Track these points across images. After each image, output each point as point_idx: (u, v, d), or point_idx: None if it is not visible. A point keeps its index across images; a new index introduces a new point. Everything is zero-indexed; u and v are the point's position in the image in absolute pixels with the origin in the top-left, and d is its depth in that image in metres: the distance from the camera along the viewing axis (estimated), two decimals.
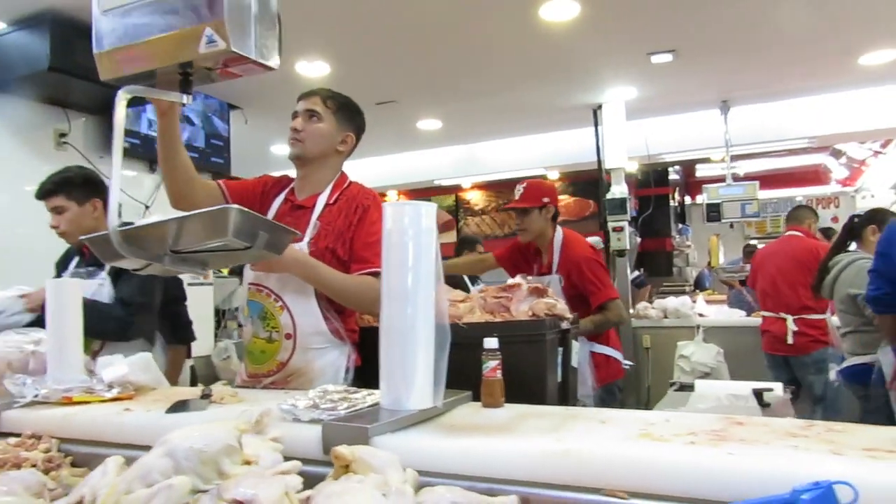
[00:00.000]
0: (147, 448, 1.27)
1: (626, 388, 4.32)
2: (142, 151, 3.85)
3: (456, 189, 8.58)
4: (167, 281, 2.67)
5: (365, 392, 1.27)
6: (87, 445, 1.35)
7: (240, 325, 1.96)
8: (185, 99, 1.37)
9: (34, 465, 1.27)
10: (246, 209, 1.25)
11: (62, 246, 2.96)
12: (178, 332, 2.62)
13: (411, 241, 1.20)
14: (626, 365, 2.77)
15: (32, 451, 1.31)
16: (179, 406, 1.34)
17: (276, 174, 2.00)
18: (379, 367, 1.19)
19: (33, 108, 3.34)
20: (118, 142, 1.26)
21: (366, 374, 1.71)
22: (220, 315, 4.06)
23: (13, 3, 2.97)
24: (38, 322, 1.97)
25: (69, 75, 3.05)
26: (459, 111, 5.23)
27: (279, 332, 1.68)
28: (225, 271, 4.12)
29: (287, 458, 0.98)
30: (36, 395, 1.46)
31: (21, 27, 3.06)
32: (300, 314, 1.68)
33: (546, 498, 0.89)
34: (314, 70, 3.99)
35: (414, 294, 1.19)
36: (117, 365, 1.62)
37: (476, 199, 8.87)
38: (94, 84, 3.20)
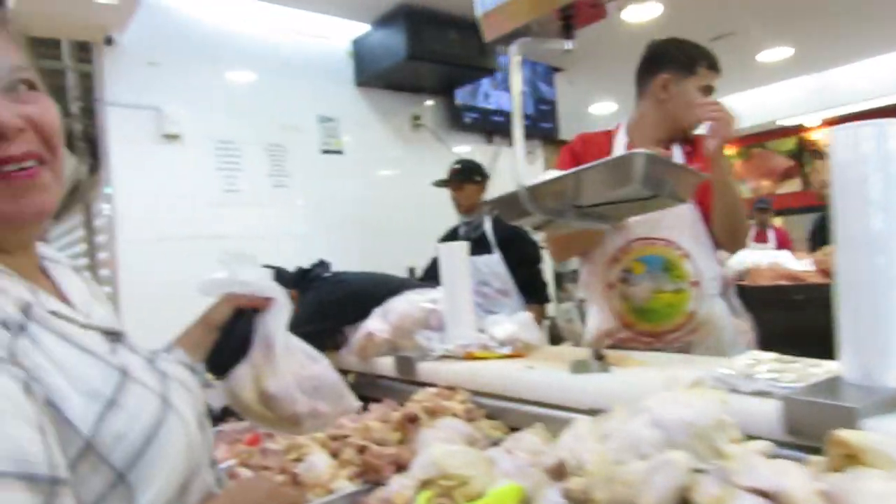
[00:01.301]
0: (554, 407, 1.28)
1: None
2: (480, 125, 4.09)
3: (798, 130, 7.35)
4: (524, 244, 2.77)
5: (807, 361, 1.05)
6: (495, 399, 1.40)
7: (609, 286, 1.86)
8: (569, 45, 1.30)
9: (454, 414, 1.37)
10: (653, 153, 1.12)
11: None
12: (536, 292, 2.70)
13: (876, 171, 0.93)
14: None
15: (450, 401, 1.41)
16: (581, 366, 1.29)
17: None
18: (835, 330, 0.96)
19: (393, 96, 3.77)
20: (517, 100, 1.24)
21: None
22: (559, 278, 4.13)
23: (375, 5, 3.36)
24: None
25: (423, 61, 3.35)
26: (813, 31, 4.39)
27: (685, 281, 1.61)
28: None
29: None
30: (445, 350, 1.59)
31: (381, 25, 3.46)
32: (701, 258, 1.61)
33: None
34: (644, 12, 3.71)
35: (886, 239, 0.92)
36: (506, 323, 1.68)
37: (826, 138, 7.49)
38: (442, 66, 3.53)
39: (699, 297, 1.63)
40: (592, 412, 1.10)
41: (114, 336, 0.67)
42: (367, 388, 1.82)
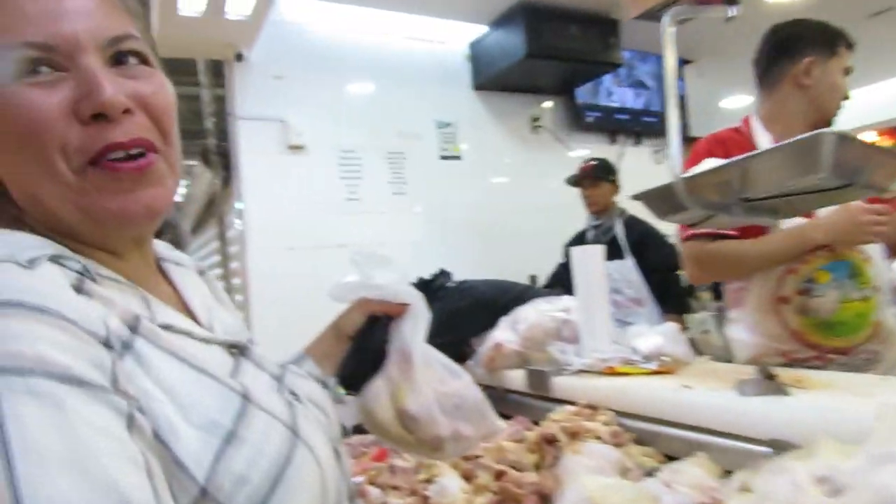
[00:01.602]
0: (720, 434, 1.11)
1: None
2: (602, 124, 3.89)
3: None
4: (661, 248, 2.56)
5: None
6: (644, 421, 1.25)
7: (782, 300, 1.64)
8: (733, 11, 1.13)
9: (598, 437, 1.23)
10: (845, 133, 0.92)
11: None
12: (674, 300, 2.48)
13: None
14: None
15: (592, 421, 1.27)
16: (751, 387, 1.11)
17: None
18: None
19: (511, 98, 3.66)
20: (671, 76, 1.09)
21: None
22: (691, 285, 3.82)
23: (492, 5, 3.28)
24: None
25: (542, 59, 3.22)
26: None
27: (869, 286, 1.43)
28: None
29: None
30: (582, 364, 1.45)
31: (499, 26, 3.37)
32: (878, 262, 1.44)
33: None
34: None
35: None
36: (650, 335, 1.51)
37: None
38: (562, 64, 3.38)
39: (881, 304, 1.44)
40: (775, 445, 0.93)
41: (238, 350, 0.59)
42: (496, 403, 1.69)
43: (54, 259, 0.48)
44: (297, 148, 2.98)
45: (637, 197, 1.18)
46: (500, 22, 3.35)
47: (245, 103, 2.89)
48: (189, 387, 0.47)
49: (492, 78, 3.47)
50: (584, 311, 1.59)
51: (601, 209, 2.81)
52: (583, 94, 3.83)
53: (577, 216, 3.12)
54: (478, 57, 3.52)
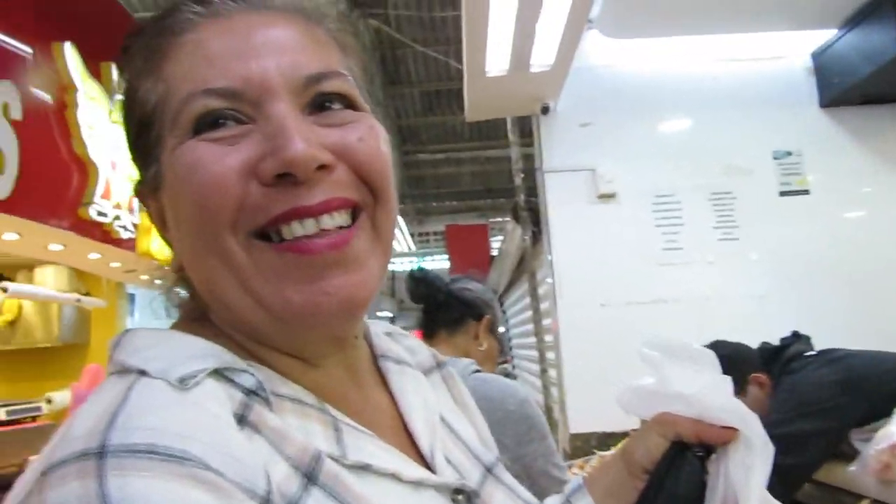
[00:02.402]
0: None
1: None
2: None
3: None
4: None
5: None
6: None
7: None
8: None
9: None
10: None
11: None
12: None
13: None
14: None
15: None
16: None
17: None
18: None
19: (877, 112, 2.91)
20: None
21: None
22: None
23: (842, 4, 2.66)
24: None
25: None
26: None
27: None
28: None
29: None
30: None
31: (854, 25, 2.71)
32: None
33: None
34: None
35: None
36: None
37: None
38: None
39: None
40: None
41: (464, 496, 0.42)
42: None
43: (220, 373, 0.37)
44: (607, 196, 2.79)
45: None
46: (857, 20, 2.69)
47: (552, 155, 2.81)
48: None
49: (847, 90, 2.80)
50: None
51: None
52: None
53: None
54: (825, 68, 2.88)
